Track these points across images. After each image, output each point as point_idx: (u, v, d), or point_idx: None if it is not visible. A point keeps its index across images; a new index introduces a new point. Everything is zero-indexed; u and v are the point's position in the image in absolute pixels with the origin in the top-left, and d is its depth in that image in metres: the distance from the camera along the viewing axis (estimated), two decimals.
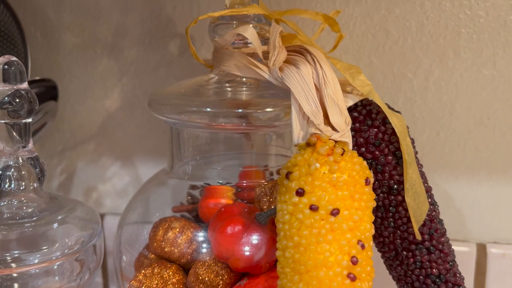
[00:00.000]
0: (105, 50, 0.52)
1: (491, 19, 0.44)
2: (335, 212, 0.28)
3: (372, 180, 0.30)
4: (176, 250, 0.35)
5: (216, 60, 0.37)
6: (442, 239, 0.34)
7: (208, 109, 0.35)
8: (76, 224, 0.36)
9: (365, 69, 0.47)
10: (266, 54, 0.34)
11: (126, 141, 0.54)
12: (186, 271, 0.36)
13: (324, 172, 0.28)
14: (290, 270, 0.28)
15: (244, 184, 0.38)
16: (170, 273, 0.35)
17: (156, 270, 0.35)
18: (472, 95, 0.46)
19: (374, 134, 0.32)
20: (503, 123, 0.46)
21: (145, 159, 0.54)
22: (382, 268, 0.36)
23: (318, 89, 0.31)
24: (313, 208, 0.28)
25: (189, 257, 0.35)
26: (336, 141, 0.30)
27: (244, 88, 0.36)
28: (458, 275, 0.35)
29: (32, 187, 0.35)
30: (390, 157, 0.32)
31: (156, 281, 0.35)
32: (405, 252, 0.34)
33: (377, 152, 0.32)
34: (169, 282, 0.35)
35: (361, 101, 0.33)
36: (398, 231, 0.34)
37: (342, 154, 0.29)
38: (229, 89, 0.36)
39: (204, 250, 0.35)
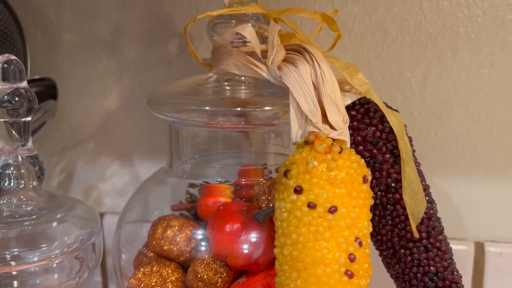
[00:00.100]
0: (104, 50, 0.52)
1: (488, 19, 0.44)
2: (333, 210, 0.28)
3: (369, 178, 0.30)
4: (175, 248, 0.35)
5: (214, 59, 0.37)
6: (440, 237, 0.35)
7: (207, 108, 0.35)
8: (76, 223, 0.36)
9: (364, 68, 0.47)
10: (264, 53, 0.34)
11: (126, 140, 0.54)
12: (185, 269, 0.36)
13: (322, 170, 0.28)
14: (288, 267, 0.28)
15: (243, 183, 0.38)
16: (169, 271, 0.35)
17: (155, 268, 0.35)
18: (470, 94, 0.46)
19: (372, 132, 0.32)
20: (501, 122, 0.46)
21: (145, 158, 0.54)
22: (379, 266, 0.36)
23: (316, 88, 0.31)
24: (311, 205, 0.28)
25: (188, 255, 0.35)
26: (334, 139, 0.30)
27: (243, 87, 0.36)
28: (455, 273, 0.35)
29: (31, 186, 0.35)
30: (387, 156, 0.32)
31: (155, 279, 0.35)
32: (402, 250, 0.34)
33: (374, 151, 0.32)
34: (168, 280, 0.35)
35: (359, 99, 0.33)
36: (396, 229, 0.34)
37: (340, 152, 0.29)
38: (228, 88, 0.36)
39: (203, 248, 0.35)
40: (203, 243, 0.35)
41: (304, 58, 0.32)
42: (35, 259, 0.33)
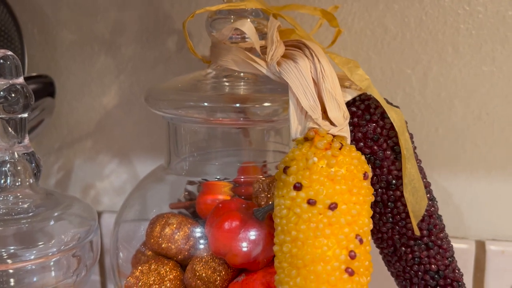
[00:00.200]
0: (103, 47, 0.52)
1: (490, 15, 0.44)
2: (333, 206, 0.28)
3: (370, 174, 0.30)
4: (173, 246, 0.35)
5: (213, 55, 0.37)
6: (441, 234, 0.34)
7: (206, 104, 0.34)
8: (73, 220, 0.35)
9: (364, 65, 0.47)
10: (264, 49, 0.34)
11: (124, 138, 0.54)
12: (183, 268, 0.35)
13: (322, 166, 0.28)
14: (287, 264, 0.28)
15: (242, 180, 0.38)
16: (167, 269, 0.35)
17: (153, 267, 0.35)
18: (471, 91, 0.46)
19: (372, 128, 0.32)
20: (502, 119, 0.46)
21: (143, 156, 0.54)
22: (380, 264, 0.36)
23: (316, 84, 0.31)
24: (311, 202, 0.28)
25: (186, 253, 0.35)
26: (334, 136, 0.29)
27: (242, 83, 0.36)
28: (457, 271, 0.35)
29: (28, 183, 0.35)
30: (388, 152, 0.32)
31: (153, 278, 0.35)
32: (403, 248, 0.34)
33: (375, 147, 0.32)
34: (166, 279, 0.35)
35: (359, 95, 0.33)
36: (397, 227, 0.33)
37: (340, 148, 0.29)
38: (226, 84, 0.36)
39: (201, 246, 0.35)
40: (201, 241, 0.35)
41: (303, 53, 0.32)
42: (32, 257, 0.32)
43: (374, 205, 0.33)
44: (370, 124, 0.32)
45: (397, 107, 0.33)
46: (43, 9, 0.52)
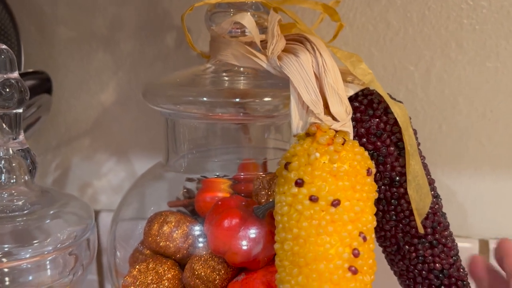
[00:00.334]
0: (101, 44, 0.51)
1: (494, 9, 0.44)
2: (335, 203, 0.27)
3: (374, 170, 0.29)
4: (171, 245, 0.35)
5: (212, 50, 0.36)
6: (446, 232, 0.34)
7: (205, 99, 0.34)
8: (69, 219, 0.35)
9: (366, 61, 0.45)
10: (264, 44, 0.33)
11: (122, 136, 0.53)
12: (182, 267, 0.35)
13: (324, 162, 0.27)
14: (289, 263, 0.28)
15: (242, 177, 0.37)
16: (166, 268, 0.34)
17: (151, 265, 0.35)
18: (475, 88, 0.45)
19: (375, 124, 0.31)
20: (506, 116, 0.45)
21: (141, 154, 0.53)
22: (383, 262, 0.35)
23: (318, 78, 0.30)
24: (313, 199, 0.27)
25: (185, 251, 0.34)
26: (336, 131, 0.29)
27: (242, 78, 0.35)
28: (461, 270, 0.34)
29: (23, 180, 0.34)
30: (392, 148, 0.31)
31: (151, 277, 0.34)
32: (407, 246, 0.33)
33: (378, 143, 0.31)
34: (164, 278, 0.34)
35: (362, 90, 0.32)
36: (400, 225, 0.33)
37: (343, 144, 0.28)
38: (226, 78, 0.36)
39: (200, 245, 0.34)
40: (200, 240, 0.34)
41: (305, 47, 0.31)
42: (27, 255, 0.32)
43: (377, 203, 0.32)
44: (373, 120, 0.31)
45: (400, 102, 0.32)
46: (40, 6, 0.51)
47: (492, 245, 0.47)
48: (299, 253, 0.27)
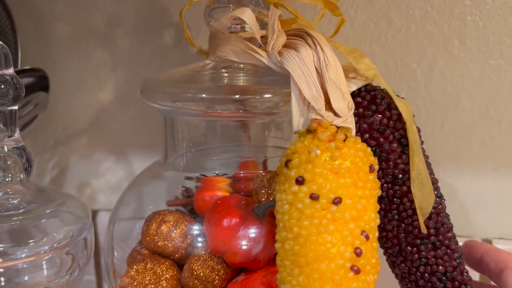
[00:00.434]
0: (98, 41, 0.51)
1: (497, 6, 0.43)
2: (337, 201, 0.26)
3: (376, 167, 0.28)
4: (170, 245, 0.34)
5: (212, 46, 0.35)
6: (449, 234, 0.33)
7: (204, 95, 0.33)
8: (66, 218, 0.35)
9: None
10: (264, 40, 0.32)
11: (120, 134, 0.53)
12: (180, 267, 0.34)
13: (325, 159, 0.27)
14: (290, 262, 0.27)
15: (242, 175, 0.37)
16: (164, 268, 0.34)
17: (149, 266, 0.34)
18: (478, 85, 0.45)
19: (378, 120, 0.31)
20: (509, 114, 0.45)
21: (140, 153, 0.53)
22: (383, 265, 0.34)
23: (319, 73, 0.29)
24: (314, 197, 0.26)
25: (183, 251, 0.34)
26: (338, 127, 0.28)
27: (242, 74, 0.35)
28: (465, 273, 0.33)
29: (18, 178, 0.34)
30: (395, 145, 0.31)
31: (149, 277, 0.34)
32: (409, 248, 0.32)
33: (381, 139, 0.31)
34: (162, 278, 0.34)
35: (365, 86, 0.32)
36: (403, 224, 0.32)
37: (344, 140, 0.27)
38: (225, 75, 0.35)
39: (199, 244, 0.34)
40: (199, 239, 0.34)
41: (306, 42, 0.30)
42: (23, 255, 0.31)
43: (379, 201, 0.31)
44: (376, 115, 0.31)
45: (403, 99, 0.32)
46: (38, 3, 0.51)
47: (496, 244, 0.46)
48: (300, 252, 0.27)
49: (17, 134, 0.33)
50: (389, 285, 0.36)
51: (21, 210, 0.33)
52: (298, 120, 0.29)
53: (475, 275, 0.47)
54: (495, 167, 0.46)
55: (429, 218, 0.32)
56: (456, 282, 0.33)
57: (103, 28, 0.50)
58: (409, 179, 0.31)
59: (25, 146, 0.34)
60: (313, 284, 0.26)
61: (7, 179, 0.33)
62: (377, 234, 0.28)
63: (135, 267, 0.34)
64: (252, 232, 0.32)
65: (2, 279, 0.32)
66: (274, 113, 0.34)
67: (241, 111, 0.33)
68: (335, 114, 0.29)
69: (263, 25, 0.35)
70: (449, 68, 0.45)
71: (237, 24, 0.35)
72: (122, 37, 0.50)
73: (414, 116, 0.32)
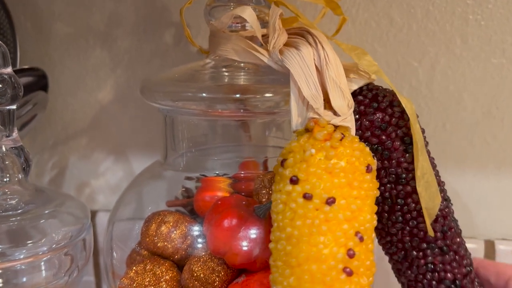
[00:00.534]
0: (98, 40, 0.50)
1: (500, 5, 0.43)
2: (330, 201, 0.26)
3: (374, 167, 0.28)
4: (169, 246, 0.34)
5: (212, 45, 0.35)
6: (457, 239, 0.31)
7: (204, 95, 0.33)
8: (64, 218, 0.34)
9: None
10: (265, 39, 0.32)
11: (120, 134, 0.52)
12: (180, 268, 0.34)
13: (320, 159, 0.26)
14: (282, 263, 0.27)
15: (242, 176, 0.36)
16: (163, 269, 0.34)
17: (148, 267, 0.34)
18: (480, 84, 0.45)
19: (380, 117, 0.30)
20: None
21: (140, 153, 0.53)
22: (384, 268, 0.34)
23: (319, 72, 0.29)
24: (307, 196, 0.26)
25: (183, 252, 0.34)
26: (336, 126, 0.28)
27: (242, 73, 0.35)
28: (476, 283, 0.32)
29: (16, 179, 0.33)
30: (397, 143, 0.30)
31: (148, 278, 0.33)
32: (415, 252, 0.31)
33: (383, 137, 0.30)
34: (162, 279, 0.33)
35: (367, 85, 0.32)
36: (407, 227, 0.31)
37: (341, 139, 0.27)
38: (226, 74, 0.35)
39: (199, 245, 0.34)
40: (199, 240, 0.34)
41: (307, 41, 0.30)
42: (21, 256, 0.31)
43: (382, 203, 0.31)
44: (378, 113, 0.30)
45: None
46: (37, 2, 0.51)
47: (499, 246, 0.46)
48: (291, 253, 0.26)
49: (15, 134, 0.33)
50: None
51: (19, 211, 0.32)
52: (296, 120, 0.29)
53: None
54: (497, 166, 0.46)
55: (436, 221, 0.31)
56: None
57: (103, 27, 0.50)
58: (413, 178, 0.30)
59: (23, 146, 0.34)
60: (304, 286, 0.26)
61: (5, 179, 0.33)
62: (374, 235, 0.28)
63: (134, 268, 0.34)
64: (253, 233, 0.32)
65: (0, 280, 0.32)
66: (275, 112, 0.34)
67: (241, 110, 0.33)
68: (335, 113, 0.28)
69: (264, 23, 0.35)
70: (451, 67, 0.45)
71: (237, 23, 0.34)
72: (121, 36, 0.50)
73: (418, 117, 0.32)
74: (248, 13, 0.31)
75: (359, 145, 0.28)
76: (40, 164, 0.54)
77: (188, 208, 0.37)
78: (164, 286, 0.33)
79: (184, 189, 0.38)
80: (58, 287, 0.34)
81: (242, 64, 0.35)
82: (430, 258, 0.31)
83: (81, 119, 0.53)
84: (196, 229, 0.34)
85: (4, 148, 0.33)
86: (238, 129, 0.38)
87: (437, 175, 0.32)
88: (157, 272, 0.33)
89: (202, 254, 0.33)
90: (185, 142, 0.38)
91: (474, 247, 0.46)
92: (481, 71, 0.44)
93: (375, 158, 0.29)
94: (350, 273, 0.26)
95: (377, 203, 0.30)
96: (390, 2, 0.44)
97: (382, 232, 0.32)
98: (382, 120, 0.30)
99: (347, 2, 0.45)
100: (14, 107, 0.32)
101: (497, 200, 0.47)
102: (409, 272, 0.32)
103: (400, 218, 0.31)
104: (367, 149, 0.28)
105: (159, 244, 0.34)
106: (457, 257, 0.31)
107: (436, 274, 0.31)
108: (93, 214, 0.53)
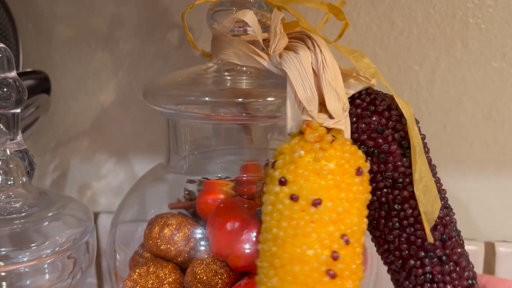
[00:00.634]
0: (100, 42, 0.51)
1: (500, 9, 0.43)
2: (316, 203, 0.26)
3: (365, 170, 0.28)
4: (172, 248, 0.34)
5: (214, 49, 0.35)
6: (459, 250, 0.30)
7: (207, 99, 0.33)
8: (68, 221, 0.34)
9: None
10: (267, 43, 0.32)
11: (122, 136, 0.53)
12: (183, 270, 0.34)
13: (308, 160, 0.27)
14: (267, 264, 0.27)
15: (244, 179, 0.36)
16: (166, 272, 0.34)
17: (151, 269, 0.34)
18: (481, 88, 0.45)
19: (377, 120, 0.30)
20: None
21: (142, 155, 0.53)
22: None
23: (316, 75, 0.29)
24: (293, 198, 0.26)
25: (186, 255, 0.34)
26: (330, 129, 0.28)
27: (244, 77, 0.35)
28: None
29: (21, 182, 0.33)
30: (394, 146, 0.29)
31: (152, 281, 0.33)
32: (412, 261, 0.30)
33: (380, 140, 0.29)
34: (165, 282, 0.33)
35: (366, 89, 0.32)
36: (404, 234, 0.30)
37: (332, 142, 0.27)
38: (228, 78, 0.35)
39: (202, 248, 0.34)
40: (202, 243, 0.34)
41: (305, 44, 0.30)
42: (25, 259, 0.31)
43: (379, 208, 0.30)
44: (375, 116, 0.30)
45: None
46: (38, 4, 0.51)
47: (499, 248, 0.46)
48: (276, 254, 0.26)
49: (19, 137, 0.33)
50: None
51: (23, 214, 0.32)
52: (291, 122, 0.29)
53: None
54: (497, 169, 0.46)
55: (435, 229, 0.30)
56: None
57: (105, 29, 0.50)
58: (410, 183, 0.29)
59: (27, 149, 0.34)
60: (286, 287, 0.26)
61: (9, 182, 0.33)
62: (363, 240, 0.27)
63: (137, 270, 0.34)
64: (256, 235, 0.32)
65: (4, 283, 0.32)
66: (276, 116, 0.34)
67: (243, 114, 0.33)
68: (330, 116, 0.28)
69: (265, 28, 0.35)
70: (451, 71, 0.45)
71: (239, 27, 0.35)
72: (123, 39, 0.50)
73: (418, 123, 0.31)
74: (249, 17, 0.31)
75: (350, 147, 0.27)
76: (42, 167, 0.54)
77: (191, 211, 0.37)
78: None
79: (186, 191, 0.38)
80: None
81: (244, 68, 0.35)
82: (428, 267, 0.29)
83: (83, 122, 0.53)
84: (199, 232, 0.34)
85: (8, 152, 0.33)
86: (240, 132, 0.38)
87: (438, 182, 0.31)
88: (160, 275, 0.34)
89: (205, 256, 0.33)
90: (187, 145, 0.38)
91: (474, 249, 0.46)
92: (482, 74, 0.44)
93: (368, 161, 0.29)
94: (333, 276, 0.26)
95: (374, 208, 0.30)
96: (391, 5, 0.45)
97: (380, 239, 0.31)
98: (378, 123, 0.30)
99: (348, 6, 0.45)
100: (18, 110, 0.32)
101: (497, 203, 0.47)
102: (407, 282, 0.30)
103: (397, 224, 0.30)
104: (360, 152, 0.28)
105: (162, 247, 0.34)
106: (457, 268, 0.30)
107: (435, 285, 0.29)
108: (95, 216, 0.53)
